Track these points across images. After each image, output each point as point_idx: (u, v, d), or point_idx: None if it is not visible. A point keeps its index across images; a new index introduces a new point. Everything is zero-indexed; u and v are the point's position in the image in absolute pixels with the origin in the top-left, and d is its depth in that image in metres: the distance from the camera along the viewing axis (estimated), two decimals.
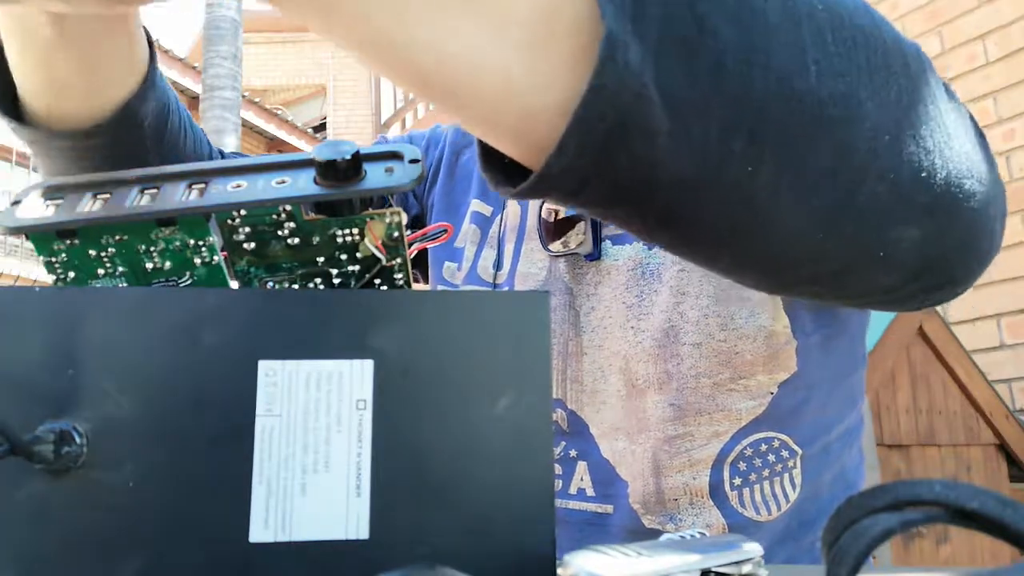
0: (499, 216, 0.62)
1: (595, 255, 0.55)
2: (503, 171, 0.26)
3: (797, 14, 0.24)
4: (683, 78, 0.22)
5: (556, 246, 0.57)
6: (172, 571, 0.21)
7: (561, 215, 0.57)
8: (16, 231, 0.24)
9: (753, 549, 0.24)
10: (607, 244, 0.55)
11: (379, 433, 0.23)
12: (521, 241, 0.60)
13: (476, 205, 0.64)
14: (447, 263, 0.64)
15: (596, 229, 0.55)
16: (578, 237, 0.56)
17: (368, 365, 0.23)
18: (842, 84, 0.24)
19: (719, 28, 0.22)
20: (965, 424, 2.27)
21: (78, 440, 0.21)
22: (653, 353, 0.52)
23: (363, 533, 0.22)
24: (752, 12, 0.23)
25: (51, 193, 0.26)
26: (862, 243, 0.27)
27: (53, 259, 0.26)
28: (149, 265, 0.26)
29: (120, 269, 0.26)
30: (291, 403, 0.23)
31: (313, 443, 0.23)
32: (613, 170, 0.22)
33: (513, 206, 0.62)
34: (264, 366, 0.23)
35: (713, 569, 0.22)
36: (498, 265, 0.60)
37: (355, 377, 0.23)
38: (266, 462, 0.22)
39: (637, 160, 0.22)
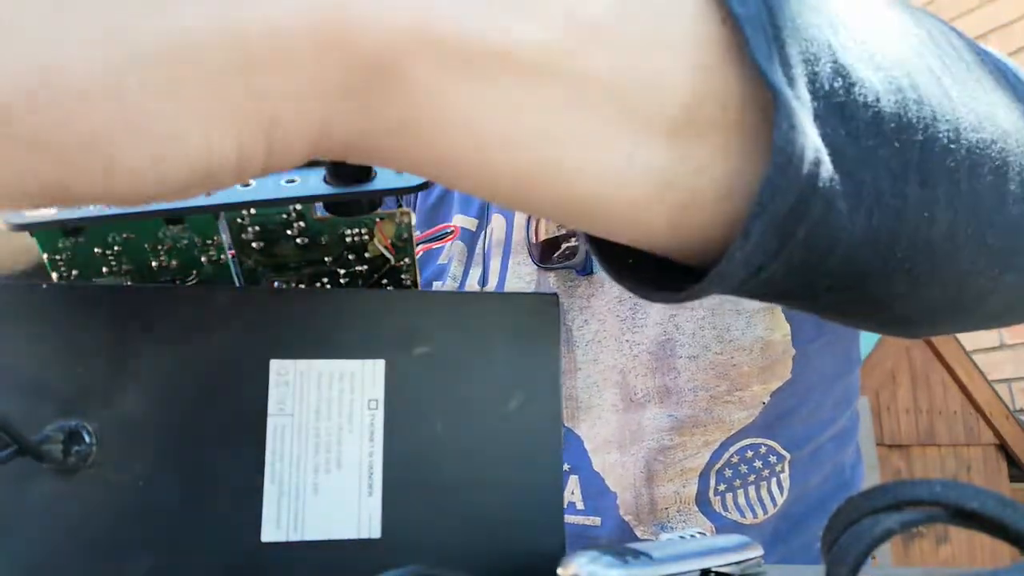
0: (484, 231, 0.61)
1: (587, 269, 0.55)
2: (636, 275, 0.24)
3: (930, 34, 0.23)
4: (846, 133, 0.20)
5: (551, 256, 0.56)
6: (183, 571, 0.21)
7: (547, 235, 0.56)
8: (22, 228, 0.24)
9: (753, 549, 0.24)
10: None
11: (390, 433, 0.23)
12: (508, 256, 0.59)
13: (460, 220, 0.63)
14: (434, 283, 0.63)
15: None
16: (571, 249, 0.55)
17: (380, 365, 0.23)
18: (982, 104, 0.23)
19: (864, 75, 0.21)
20: (965, 424, 2.27)
21: (87, 439, 0.21)
22: (650, 366, 0.52)
23: (375, 532, 0.22)
24: (887, 44, 0.21)
25: None
26: None
27: (57, 256, 0.25)
28: (155, 263, 0.26)
29: (125, 267, 0.26)
30: (303, 402, 0.23)
31: (325, 443, 0.22)
32: (791, 247, 0.21)
33: (498, 219, 0.60)
34: (276, 365, 0.23)
35: (713, 569, 0.22)
36: (483, 281, 0.60)
37: (367, 377, 0.23)
38: (278, 462, 0.22)
39: (817, 233, 0.20)
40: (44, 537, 0.21)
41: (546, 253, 0.56)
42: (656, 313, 0.52)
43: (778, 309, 0.52)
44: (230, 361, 0.22)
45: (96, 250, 0.25)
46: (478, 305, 0.24)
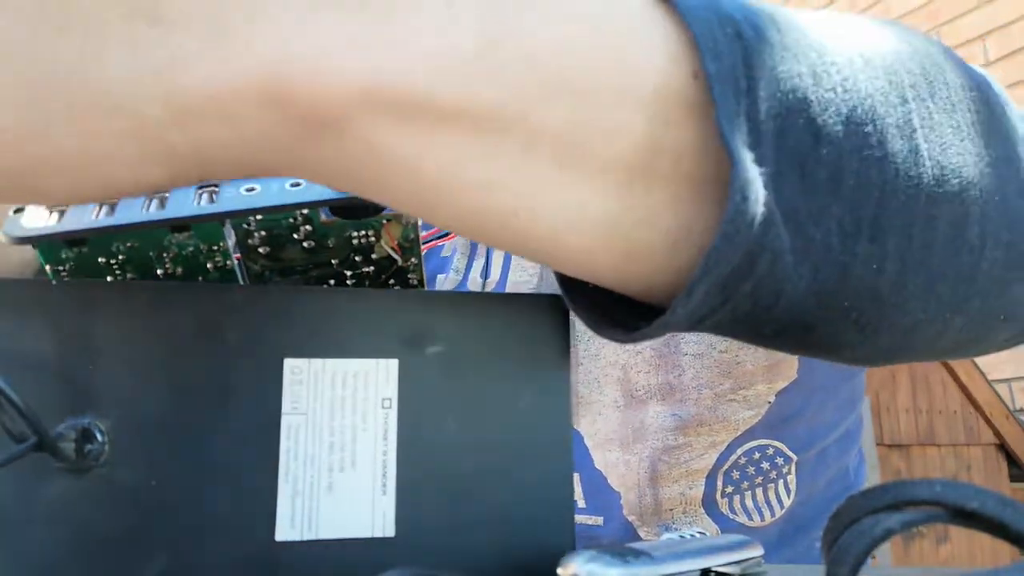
0: None
1: None
2: (590, 310, 0.24)
3: (900, 86, 0.22)
4: (802, 191, 0.20)
5: None
6: (197, 571, 0.21)
7: None
8: (24, 241, 0.24)
9: (753, 549, 0.24)
10: None
11: (404, 431, 0.23)
12: None
13: None
14: (437, 276, 0.63)
15: None
16: None
17: (393, 364, 0.23)
18: (952, 154, 0.23)
19: (833, 130, 0.20)
20: (965, 424, 2.27)
21: (100, 437, 0.21)
22: (653, 363, 0.52)
23: (389, 531, 0.22)
24: (859, 98, 0.21)
25: None
26: (987, 311, 0.25)
27: (60, 267, 0.25)
28: (160, 271, 0.26)
29: (130, 275, 0.26)
30: (317, 401, 0.22)
31: (339, 441, 0.22)
32: (737, 299, 0.21)
33: None
34: (290, 364, 0.23)
35: (713, 569, 0.22)
36: (486, 274, 0.60)
37: (380, 376, 0.23)
38: (292, 461, 0.22)
39: (761, 284, 0.21)
40: (55, 536, 0.20)
41: None
42: None
43: None
44: (244, 360, 0.22)
45: (100, 259, 0.25)
46: (490, 305, 0.24)
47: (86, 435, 0.21)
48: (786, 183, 0.20)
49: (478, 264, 0.60)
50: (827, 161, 0.20)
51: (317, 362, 0.23)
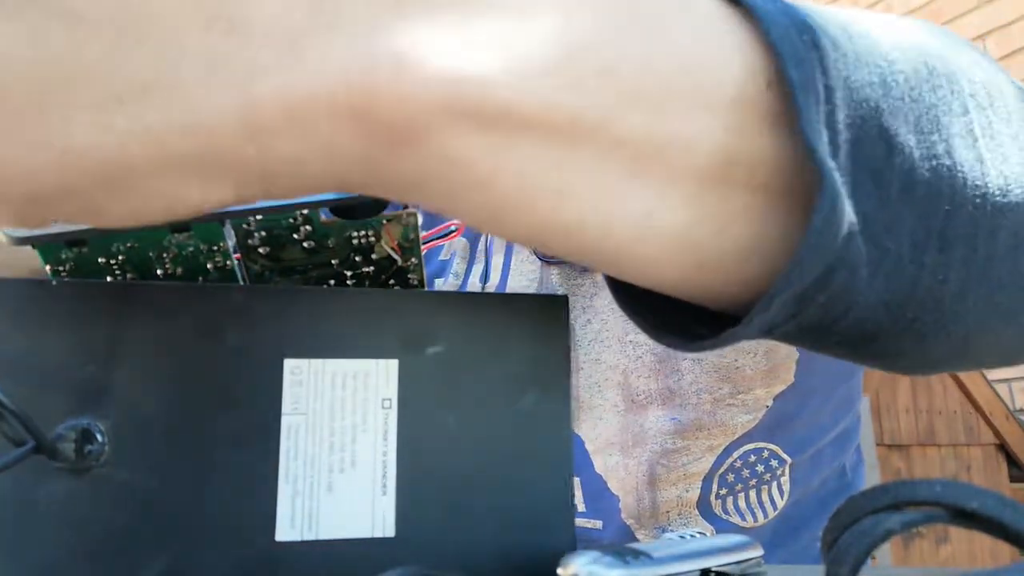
0: None
1: None
2: (650, 317, 0.24)
3: (962, 95, 0.22)
4: (877, 201, 0.20)
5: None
6: (197, 572, 0.21)
7: None
8: (24, 242, 0.23)
9: (753, 549, 0.24)
10: None
11: (404, 432, 0.23)
12: (511, 253, 0.59)
13: None
14: (436, 280, 0.63)
15: None
16: None
17: (393, 365, 0.23)
18: (1013, 164, 0.23)
19: (905, 140, 0.20)
20: (965, 424, 2.27)
21: (100, 438, 0.21)
22: (653, 368, 0.52)
23: (389, 531, 0.22)
24: (925, 107, 0.21)
25: None
26: None
27: (60, 267, 0.25)
28: (160, 271, 0.26)
29: (130, 275, 0.26)
30: (317, 402, 0.22)
31: (339, 442, 0.22)
32: (809, 310, 0.21)
33: None
34: (290, 364, 0.22)
35: (713, 569, 0.22)
36: (485, 278, 0.60)
37: (380, 376, 0.23)
38: (292, 461, 0.22)
39: (835, 299, 0.20)
40: (55, 537, 0.20)
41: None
42: None
43: None
44: (244, 360, 0.22)
45: (100, 260, 0.25)
46: (489, 306, 0.24)
47: (86, 436, 0.21)
48: (863, 194, 0.20)
49: (477, 268, 0.60)
50: (900, 171, 0.20)
51: (317, 362, 0.23)
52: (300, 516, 0.22)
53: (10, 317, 0.21)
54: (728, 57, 0.19)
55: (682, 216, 0.20)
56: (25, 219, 0.17)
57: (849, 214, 0.19)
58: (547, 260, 0.56)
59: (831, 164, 0.18)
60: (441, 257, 0.62)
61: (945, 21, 2.63)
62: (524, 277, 0.57)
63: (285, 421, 0.22)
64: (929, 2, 2.67)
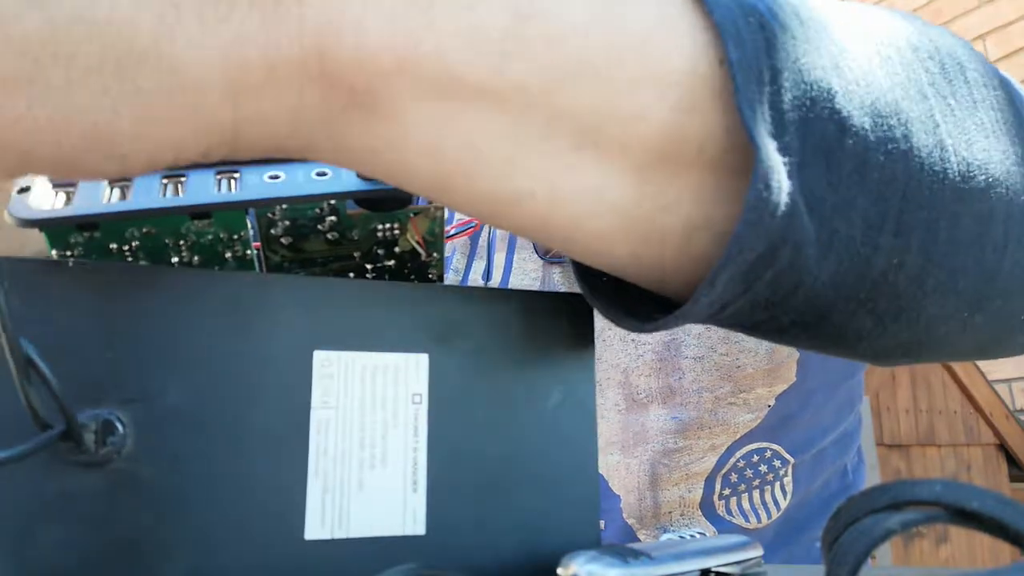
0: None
1: None
2: (607, 299, 0.24)
3: (920, 82, 0.22)
4: (827, 182, 0.20)
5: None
6: (223, 571, 0.20)
7: None
8: (31, 224, 0.22)
9: (753, 549, 0.24)
10: None
11: (434, 428, 0.22)
12: (512, 251, 0.59)
13: None
14: None
15: None
16: None
17: (423, 359, 0.23)
18: (977, 151, 0.23)
19: (858, 122, 0.20)
20: (965, 424, 2.27)
21: (121, 430, 0.20)
22: (654, 366, 0.52)
23: (419, 529, 0.22)
24: (881, 92, 0.21)
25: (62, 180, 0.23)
26: (1008, 312, 0.25)
27: (68, 252, 0.24)
28: (175, 259, 0.25)
29: (143, 263, 0.25)
30: (347, 396, 0.22)
31: (370, 437, 0.22)
32: (757, 289, 0.21)
33: None
34: (320, 357, 0.22)
35: (713, 569, 0.22)
36: (487, 276, 0.60)
37: (411, 370, 0.23)
38: (322, 457, 0.21)
39: (783, 276, 0.21)
40: (72, 536, 0.19)
41: (548, 248, 0.56)
42: None
43: None
44: (273, 351, 0.21)
45: (112, 246, 0.24)
46: (517, 302, 0.24)
47: (107, 427, 0.20)
48: (811, 174, 0.20)
49: (478, 266, 0.60)
50: (853, 153, 0.20)
51: (347, 355, 0.22)
52: (330, 514, 0.21)
53: (24, 299, 0.20)
54: (679, 34, 0.19)
55: (631, 191, 0.20)
56: (9, 171, 0.18)
57: (789, 190, 0.19)
58: (549, 259, 0.56)
59: (767, 140, 0.19)
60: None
61: (945, 21, 2.63)
62: (526, 276, 0.57)
63: (314, 415, 0.21)
64: (929, 2, 2.67)
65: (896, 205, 0.21)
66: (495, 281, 0.59)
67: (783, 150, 0.19)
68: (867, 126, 0.21)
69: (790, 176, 0.19)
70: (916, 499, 0.15)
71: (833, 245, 0.21)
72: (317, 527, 0.21)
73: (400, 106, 0.18)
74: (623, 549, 0.21)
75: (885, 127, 0.21)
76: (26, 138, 0.16)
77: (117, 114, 0.16)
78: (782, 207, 0.19)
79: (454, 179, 0.19)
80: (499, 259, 0.59)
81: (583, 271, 0.24)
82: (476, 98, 0.18)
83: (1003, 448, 2.30)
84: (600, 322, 0.55)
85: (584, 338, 0.25)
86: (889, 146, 0.21)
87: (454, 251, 0.62)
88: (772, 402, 0.52)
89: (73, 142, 0.16)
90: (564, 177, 0.19)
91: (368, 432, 0.22)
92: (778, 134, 0.19)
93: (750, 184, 0.18)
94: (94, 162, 0.17)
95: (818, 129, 0.20)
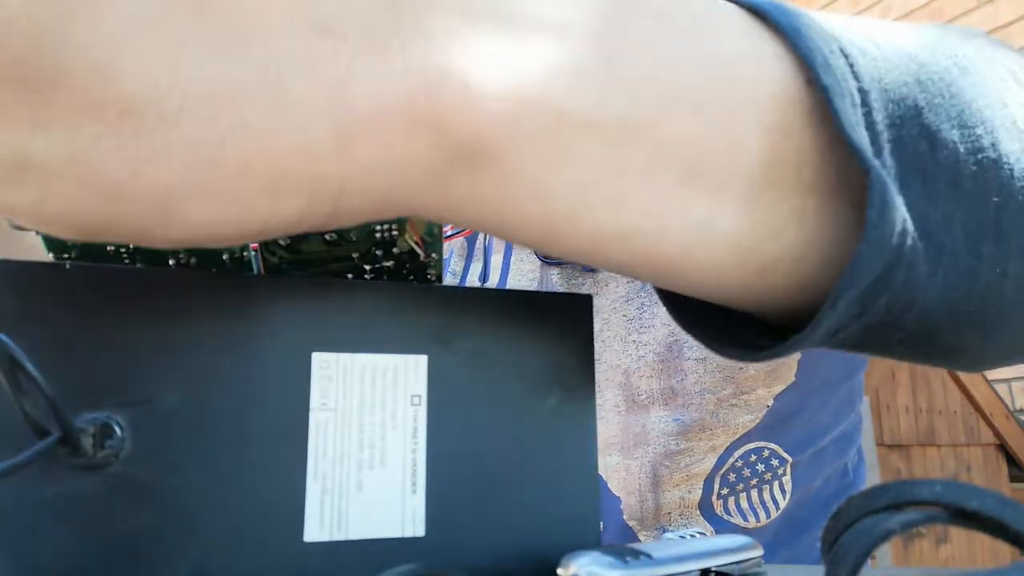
0: None
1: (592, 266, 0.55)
2: (707, 329, 0.24)
3: (998, 89, 0.23)
4: (926, 197, 0.20)
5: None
6: (223, 574, 0.20)
7: None
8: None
9: (753, 549, 0.24)
10: None
11: (433, 429, 0.22)
12: (510, 253, 0.59)
13: None
14: None
15: None
16: None
17: (423, 360, 0.23)
18: None
19: (948, 135, 0.21)
20: (965, 424, 2.27)
21: (119, 433, 0.20)
22: (656, 368, 0.52)
23: (419, 531, 0.22)
24: (965, 102, 0.21)
25: None
26: None
27: (65, 255, 0.24)
28: (172, 261, 0.25)
29: (140, 265, 0.25)
30: (346, 397, 0.22)
31: (369, 439, 0.22)
32: (872, 311, 0.21)
33: None
34: (318, 358, 0.22)
35: (713, 569, 0.22)
36: (484, 278, 0.60)
37: (410, 372, 0.23)
38: (321, 458, 0.21)
39: (898, 296, 0.21)
40: (70, 540, 0.19)
41: None
42: (663, 313, 0.52)
43: None
44: (271, 352, 0.21)
45: (109, 247, 0.24)
46: (516, 303, 0.24)
47: (105, 430, 0.19)
48: (912, 191, 0.20)
49: (475, 267, 0.60)
50: (946, 165, 0.21)
51: (346, 356, 0.22)
52: (329, 515, 0.21)
53: (20, 302, 0.20)
54: (765, 61, 0.20)
55: (738, 220, 0.20)
56: (99, 234, 0.16)
57: (901, 210, 0.19)
58: (547, 260, 0.56)
59: (876, 162, 0.19)
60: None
61: (945, 21, 2.63)
62: (524, 277, 0.57)
63: (313, 417, 0.21)
64: (929, 2, 2.67)
65: (992, 214, 0.21)
66: (492, 282, 0.59)
67: (885, 169, 0.19)
68: (956, 138, 0.21)
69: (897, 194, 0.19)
70: (916, 499, 0.15)
71: (941, 260, 0.21)
72: (316, 529, 0.21)
73: (510, 150, 0.17)
74: (623, 549, 0.21)
75: (973, 137, 0.21)
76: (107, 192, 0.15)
77: (222, 151, 0.15)
78: (898, 224, 0.19)
79: (561, 223, 0.19)
80: (496, 261, 0.59)
81: (675, 305, 0.24)
82: (580, 136, 0.18)
83: (1003, 448, 2.30)
84: (598, 323, 0.55)
85: (584, 338, 0.25)
86: (979, 156, 0.21)
87: (451, 253, 0.62)
88: (770, 402, 0.52)
89: (165, 181, 0.15)
90: (671, 209, 0.19)
91: (367, 433, 0.22)
92: (877, 153, 0.19)
93: (869, 204, 0.18)
94: (181, 207, 0.16)
95: (911, 146, 0.20)
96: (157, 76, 0.15)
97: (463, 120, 0.16)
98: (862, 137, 0.19)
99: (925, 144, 0.20)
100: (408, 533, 0.22)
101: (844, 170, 0.20)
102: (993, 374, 2.39)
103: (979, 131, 0.21)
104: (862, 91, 0.19)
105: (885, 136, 0.20)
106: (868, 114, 0.19)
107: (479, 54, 0.16)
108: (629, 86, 0.18)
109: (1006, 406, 2.29)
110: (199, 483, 0.20)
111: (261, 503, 0.21)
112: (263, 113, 0.15)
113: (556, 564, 0.20)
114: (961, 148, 0.21)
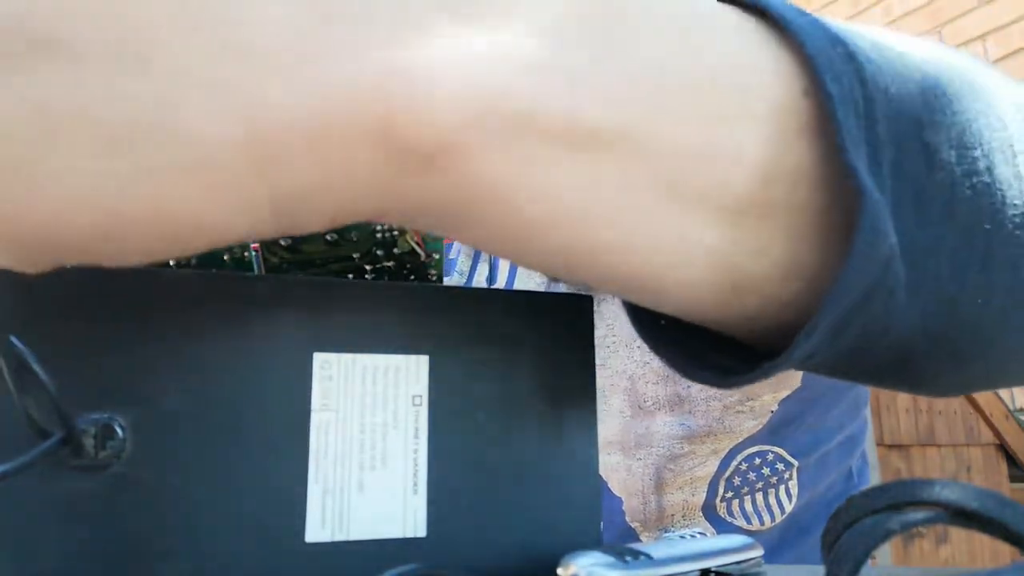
0: None
1: None
2: (674, 350, 0.23)
3: (999, 109, 0.21)
4: (917, 221, 0.19)
5: None
6: (224, 574, 0.20)
7: None
8: None
9: (753, 550, 0.24)
10: None
11: (434, 430, 0.22)
12: None
13: None
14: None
15: None
16: None
17: (424, 360, 0.23)
18: None
19: (946, 155, 0.19)
20: (965, 424, 2.27)
21: (120, 433, 0.20)
22: (662, 374, 0.52)
23: (420, 531, 0.22)
24: (966, 121, 0.20)
25: None
26: None
27: None
28: (171, 262, 0.25)
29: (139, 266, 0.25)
30: (347, 397, 0.22)
31: (370, 439, 0.22)
32: (846, 336, 0.20)
33: None
34: (320, 359, 0.22)
35: (713, 569, 0.22)
36: (491, 280, 0.59)
37: (411, 372, 0.23)
38: (322, 459, 0.21)
39: (873, 321, 0.19)
40: (72, 540, 0.19)
41: None
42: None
43: None
44: (272, 353, 0.21)
45: None
46: (517, 302, 0.24)
47: (106, 431, 0.20)
48: (904, 213, 0.19)
49: (482, 268, 0.60)
50: (941, 187, 0.19)
51: (347, 357, 0.22)
52: (331, 516, 0.21)
53: (20, 305, 0.20)
54: (760, 66, 0.18)
55: (722, 238, 0.18)
56: (35, 265, 0.16)
57: (891, 236, 0.18)
58: None
59: (871, 183, 0.17)
60: (448, 255, 0.62)
61: (945, 21, 2.63)
62: (531, 280, 0.57)
63: (315, 417, 0.21)
64: (929, 2, 2.67)
65: (982, 241, 0.20)
66: (500, 285, 0.58)
67: (880, 189, 0.18)
68: (953, 159, 0.20)
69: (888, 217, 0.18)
70: (916, 499, 0.15)
71: (921, 288, 0.20)
72: (318, 529, 0.21)
73: (471, 160, 0.16)
74: (623, 549, 0.21)
75: (970, 159, 0.20)
76: (33, 229, 0.15)
77: (131, 184, 0.15)
78: (885, 251, 0.18)
79: (529, 234, 0.18)
80: (504, 263, 0.59)
81: (645, 327, 0.23)
82: (550, 142, 0.16)
83: (1003, 448, 2.30)
84: (603, 329, 0.55)
85: (584, 338, 0.25)
86: (974, 179, 0.20)
87: (459, 253, 0.62)
88: (775, 407, 0.52)
89: (82, 230, 0.15)
90: (647, 226, 0.18)
91: (368, 434, 0.22)
92: (874, 171, 0.18)
93: (858, 228, 0.17)
94: (114, 246, 0.16)
95: (909, 164, 0.19)
96: (39, 131, 0.14)
97: (416, 131, 0.15)
98: (860, 155, 0.18)
99: (923, 163, 0.19)
100: (409, 533, 0.22)
101: (837, 188, 0.19)
102: None
103: (976, 153, 0.20)
104: (868, 100, 0.18)
105: (886, 153, 0.18)
106: (871, 126, 0.18)
107: (430, 56, 0.15)
108: (603, 91, 0.16)
109: (1006, 406, 2.29)
110: (200, 483, 0.20)
111: (262, 504, 0.21)
112: (165, 149, 0.14)
113: (556, 564, 0.20)
114: (957, 171, 0.20)
